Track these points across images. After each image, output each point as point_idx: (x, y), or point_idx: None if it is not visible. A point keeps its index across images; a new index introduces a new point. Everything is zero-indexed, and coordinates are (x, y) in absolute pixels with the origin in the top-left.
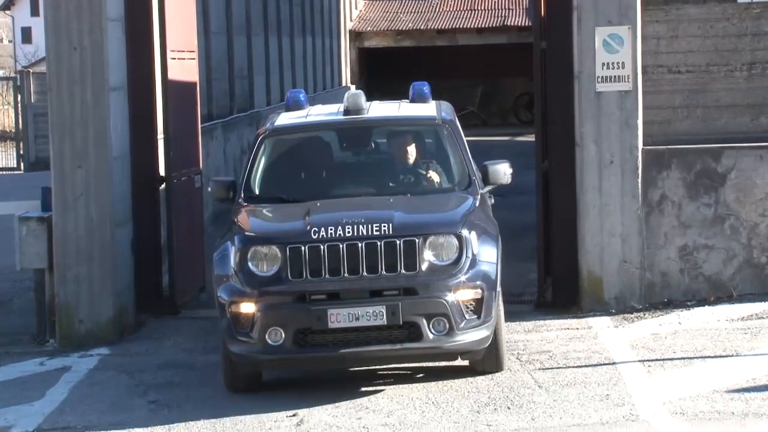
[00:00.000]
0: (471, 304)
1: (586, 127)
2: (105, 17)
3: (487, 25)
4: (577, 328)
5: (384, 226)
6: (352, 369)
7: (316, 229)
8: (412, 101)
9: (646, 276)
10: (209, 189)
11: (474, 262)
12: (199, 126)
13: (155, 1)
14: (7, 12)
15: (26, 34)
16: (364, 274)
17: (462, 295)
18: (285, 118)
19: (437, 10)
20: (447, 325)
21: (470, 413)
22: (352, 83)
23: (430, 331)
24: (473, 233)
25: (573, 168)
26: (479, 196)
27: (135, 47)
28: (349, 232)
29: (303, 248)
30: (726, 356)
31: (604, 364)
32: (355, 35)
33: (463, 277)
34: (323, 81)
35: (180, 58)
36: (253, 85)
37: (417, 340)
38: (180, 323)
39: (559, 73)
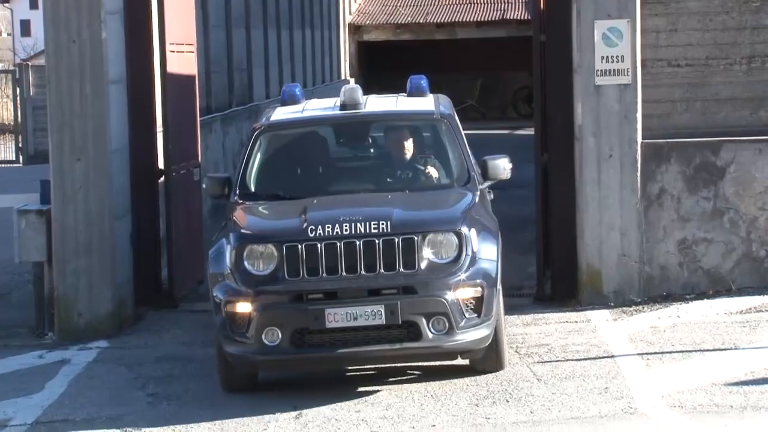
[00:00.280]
0: (471, 303)
1: (586, 120)
2: (104, 10)
3: (486, 19)
4: (576, 322)
5: (382, 224)
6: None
7: (313, 227)
8: (410, 95)
9: (644, 269)
10: (203, 186)
11: (474, 259)
12: (198, 119)
13: None
14: (6, 5)
15: (25, 27)
16: (362, 272)
17: (462, 294)
18: (281, 113)
19: (436, 3)
20: (447, 325)
21: (469, 406)
22: (351, 77)
23: (430, 331)
24: (473, 230)
25: (572, 161)
26: (479, 192)
27: (134, 40)
28: (346, 230)
29: (300, 247)
30: (725, 349)
31: (603, 358)
32: (355, 28)
33: (462, 276)
34: (322, 74)
35: (179, 51)
36: (252, 78)
37: (416, 339)
38: (179, 316)
39: (559, 67)
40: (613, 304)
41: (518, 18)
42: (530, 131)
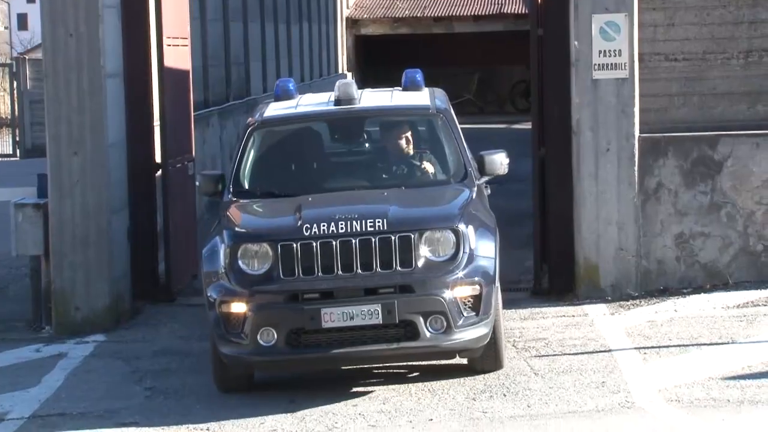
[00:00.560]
0: (469, 301)
1: (583, 114)
2: (101, 4)
3: (483, 13)
4: (573, 316)
5: (378, 222)
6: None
7: (308, 226)
8: (405, 89)
9: (642, 263)
10: (197, 183)
11: (472, 257)
12: (192, 113)
13: None
14: None
15: (22, 21)
16: (359, 271)
17: (459, 292)
18: (274, 109)
19: None
20: (444, 323)
21: (466, 400)
22: (348, 70)
23: (427, 330)
24: (470, 227)
25: (569, 156)
26: (476, 188)
27: (131, 34)
28: (342, 229)
29: (295, 246)
30: (722, 344)
31: (600, 352)
32: (352, 22)
33: (460, 273)
34: (320, 68)
35: (174, 45)
36: (250, 72)
37: (414, 339)
38: (176, 310)
39: (556, 61)
40: (611, 298)
41: (515, 12)
42: (527, 125)
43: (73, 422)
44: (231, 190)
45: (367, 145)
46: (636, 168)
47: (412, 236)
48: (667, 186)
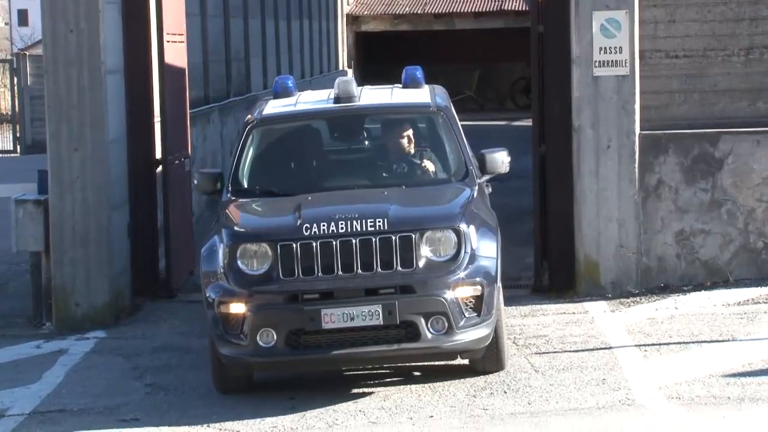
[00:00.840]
0: (470, 302)
1: (584, 111)
2: None
3: (484, 10)
4: (574, 313)
5: (379, 221)
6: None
7: (308, 226)
8: (405, 86)
9: (642, 261)
10: (195, 182)
11: (473, 257)
12: (188, 110)
13: None
14: None
15: (22, 17)
16: (359, 272)
17: (461, 293)
18: (273, 107)
19: None
20: (446, 324)
21: (467, 397)
22: (348, 67)
23: (429, 331)
24: (472, 227)
25: (570, 153)
26: (477, 187)
27: (131, 30)
28: (342, 228)
29: (294, 246)
30: (722, 341)
31: (601, 349)
32: (352, 19)
33: (462, 274)
34: (320, 65)
35: (173, 41)
36: (250, 68)
37: (415, 340)
38: (176, 306)
39: (557, 58)
40: (611, 296)
41: (516, 9)
42: (528, 122)
43: (74, 418)
44: (229, 188)
45: (367, 143)
46: (636, 165)
47: (413, 236)
48: (667, 183)
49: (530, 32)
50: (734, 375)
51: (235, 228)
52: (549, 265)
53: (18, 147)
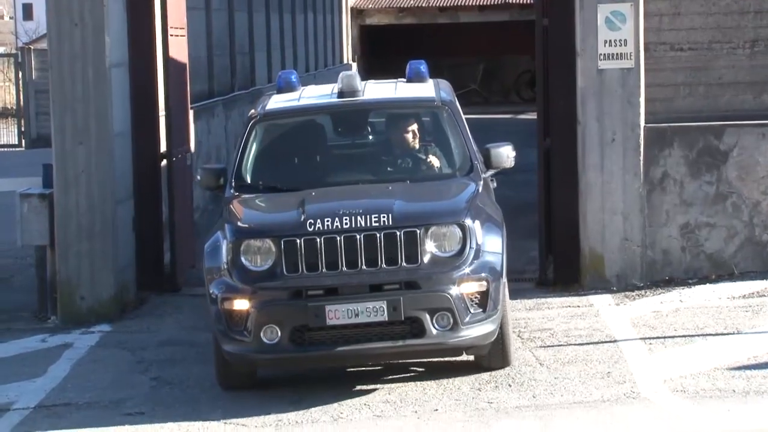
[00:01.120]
0: (476, 297)
1: (588, 104)
2: None
3: (488, 3)
4: (579, 306)
5: (383, 217)
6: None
7: (312, 221)
8: (409, 81)
9: (647, 254)
10: (198, 177)
11: (478, 252)
12: (189, 104)
13: None
14: None
15: (27, 11)
16: (364, 267)
17: (466, 288)
18: (276, 101)
19: None
20: (451, 320)
21: (471, 390)
22: (353, 61)
23: (434, 327)
24: (477, 222)
25: (575, 146)
26: (482, 182)
27: (136, 24)
28: (346, 224)
29: (298, 241)
30: (727, 334)
31: (606, 342)
32: (357, 12)
33: (467, 269)
34: (324, 58)
35: (175, 35)
36: (255, 62)
37: (420, 336)
38: (181, 300)
39: (561, 51)
40: (616, 289)
41: (520, 2)
42: (533, 115)
43: (79, 412)
44: (233, 184)
45: (371, 138)
46: (641, 158)
47: (418, 231)
48: (672, 176)
49: (535, 25)
50: (739, 368)
51: (239, 224)
52: (554, 258)
53: (23, 141)
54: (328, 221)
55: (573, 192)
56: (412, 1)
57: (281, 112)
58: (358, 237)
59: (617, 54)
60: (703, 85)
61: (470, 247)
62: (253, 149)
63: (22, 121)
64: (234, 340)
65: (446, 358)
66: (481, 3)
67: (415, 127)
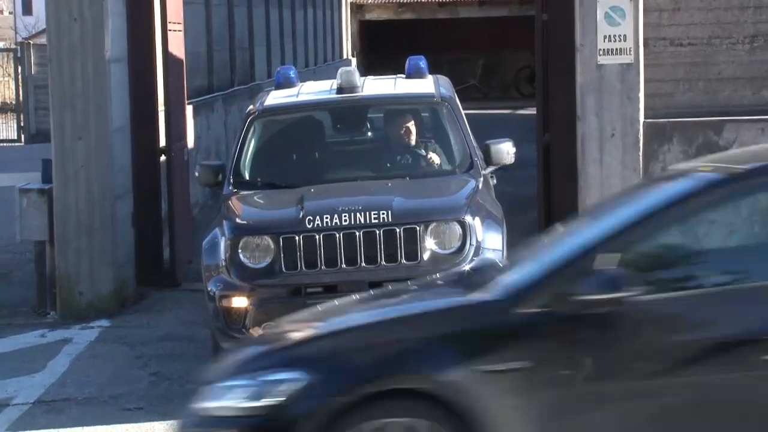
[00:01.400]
0: None
1: (588, 100)
2: None
3: None
4: None
5: (383, 214)
6: None
7: (311, 218)
8: (408, 77)
9: None
10: (196, 174)
11: (479, 249)
12: (185, 99)
13: None
14: None
15: (26, 6)
16: (363, 265)
17: None
18: (275, 97)
19: None
20: None
21: None
22: (353, 56)
23: None
24: (477, 219)
25: (574, 141)
26: (482, 178)
27: (135, 18)
28: (345, 221)
29: (297, 238)
30: None
31: None
32: (356, 7)
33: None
34: (324, 54)
35: (173, 30)
36: (254, 57)
37: None
38: (180, 295)
39: (561, 46)
40: None
41: None
42: (532, 111)
43: (78, 407)
44: (231, 180)
45: (370, 134)
46: (641, 153)
47: (418, 228)
48: None
49: (534, 20)
50: None
51: (237, 220)
52: None
53: (22, 136)
54: (327, 218)
55: (572, 187)
56: None
57: (280, 108)
58: (357, 234)
59: (616, 49)
60: (702, 81)
61: (470, 244)
62: (251, 146)
63: (22, 116)
64: (232, 337)
65: None
66: None
67: (414, 123)
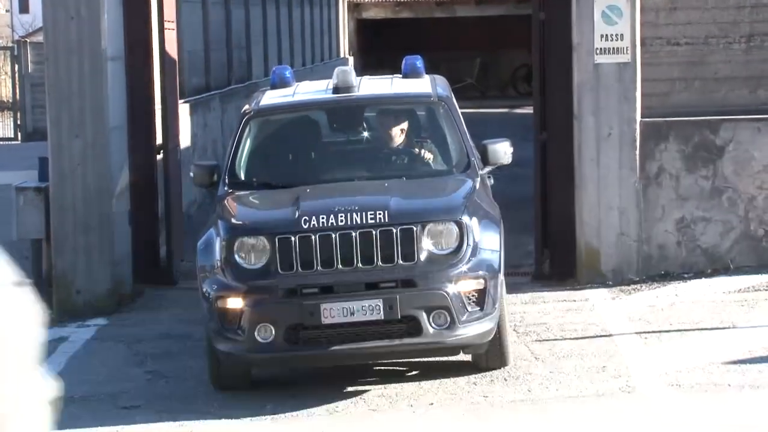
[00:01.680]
0: (473, 296)
1: (585, 99)
2: None
3: None
4: (574, 300)
5: (379, 214)
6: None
7: (307, 218)
8: (405, 76)
9: (643, 248)
10: (190, 174)
11: (476, 250)
12: (178, 98)
13: None
14: None
15: (23, 4)
16: (359, 265)
17: (463, 286)
18: (270, 97)
19: None
20: (448, 319)
21: (467, 385)
22: (350, 55)
23: (431, 325)
24: (474, 219)
25: (571, 140)
26: (479, 178)
27: (132, 16)
28: (342, 221)
29: (293, 239)
30: (722, 328)
31: (601, 336)
32: (354, 6)
33: (464, 267)
34: (321, 52)
35: (167, 28)
36: (251, 55)
37: (416, 335)
38: (177, 294)
39: (558, 45)
40: (612, 283)
41: None
42: (529, 110)
43: (75, 406)
44: (226, 181)
45: (366, 134)
46: (637, 153)
47: (415, 229)
48: (668, 171)
49: (532, 19)
50: (735, 362)
51: (233, 221)
52: (550, 252)
53: (19, 134)
54: (323, 218)
55: (569, 186)
56: None
57: (275, 108)
58: (353, 234)
59: (614, 48)
60: (699, 80)
61: (467, 245)
62: (246, 146)
63: (18, 114)
64: (227, 339)
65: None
66: None
67: (410, 123)
